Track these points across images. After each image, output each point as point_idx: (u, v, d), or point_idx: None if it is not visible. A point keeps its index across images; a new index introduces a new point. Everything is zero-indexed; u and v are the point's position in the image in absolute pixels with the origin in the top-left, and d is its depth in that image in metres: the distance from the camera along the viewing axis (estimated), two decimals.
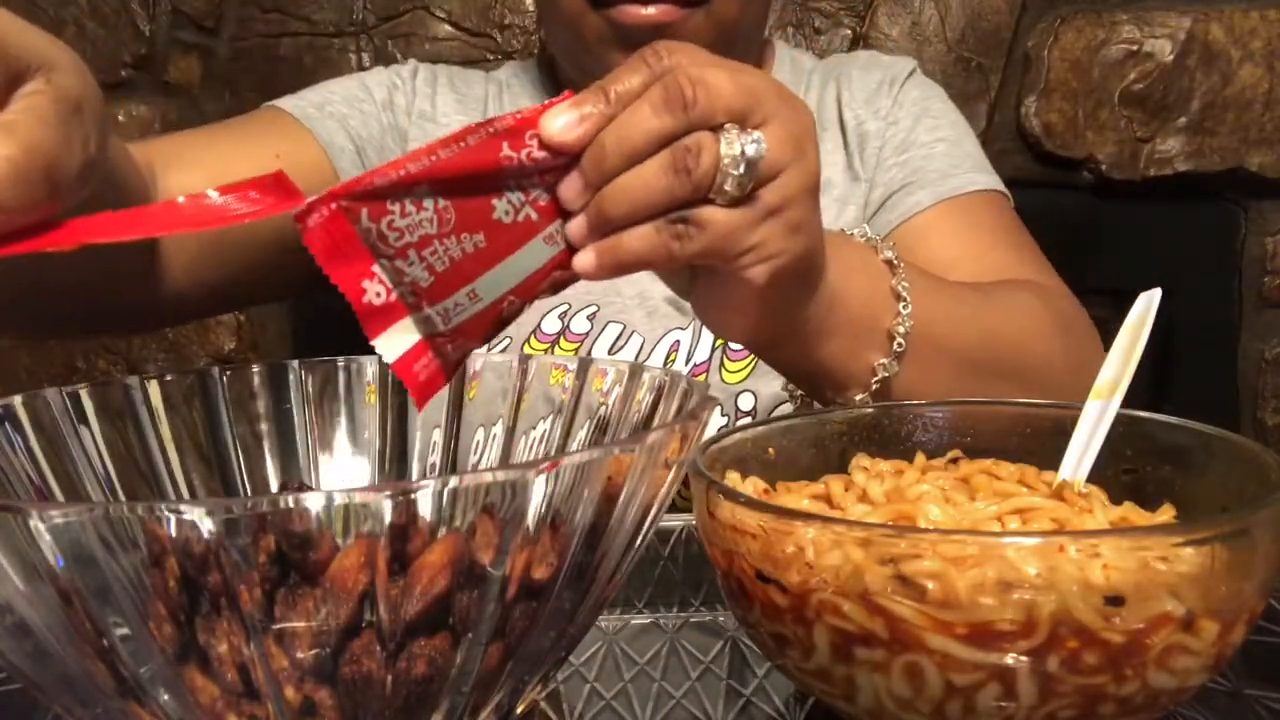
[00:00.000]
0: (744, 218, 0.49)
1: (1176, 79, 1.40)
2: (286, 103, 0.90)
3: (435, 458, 0.57)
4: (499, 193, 0.45)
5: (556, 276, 0.48)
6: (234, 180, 0.72)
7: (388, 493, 0.32)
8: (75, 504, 0.31)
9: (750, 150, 0.47)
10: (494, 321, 0.47)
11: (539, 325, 0.89)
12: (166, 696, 0.34)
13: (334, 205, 0.41)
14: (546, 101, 0.46)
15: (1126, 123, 1.42)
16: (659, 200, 0.47)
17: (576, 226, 0.47)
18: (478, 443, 0.60)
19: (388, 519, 0.32)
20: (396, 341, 0.43)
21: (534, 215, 0.46)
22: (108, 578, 0.32)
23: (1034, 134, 1.43)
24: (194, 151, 0.81)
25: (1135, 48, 1.41)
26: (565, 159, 0.47)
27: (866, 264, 0.61)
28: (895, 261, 0.62)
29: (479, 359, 0.56)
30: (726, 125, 0.47)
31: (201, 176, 0.78)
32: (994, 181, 0.90)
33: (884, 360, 0.61)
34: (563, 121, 0.46)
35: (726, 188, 0.48)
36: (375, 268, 0.42)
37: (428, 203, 0.43)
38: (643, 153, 0.47)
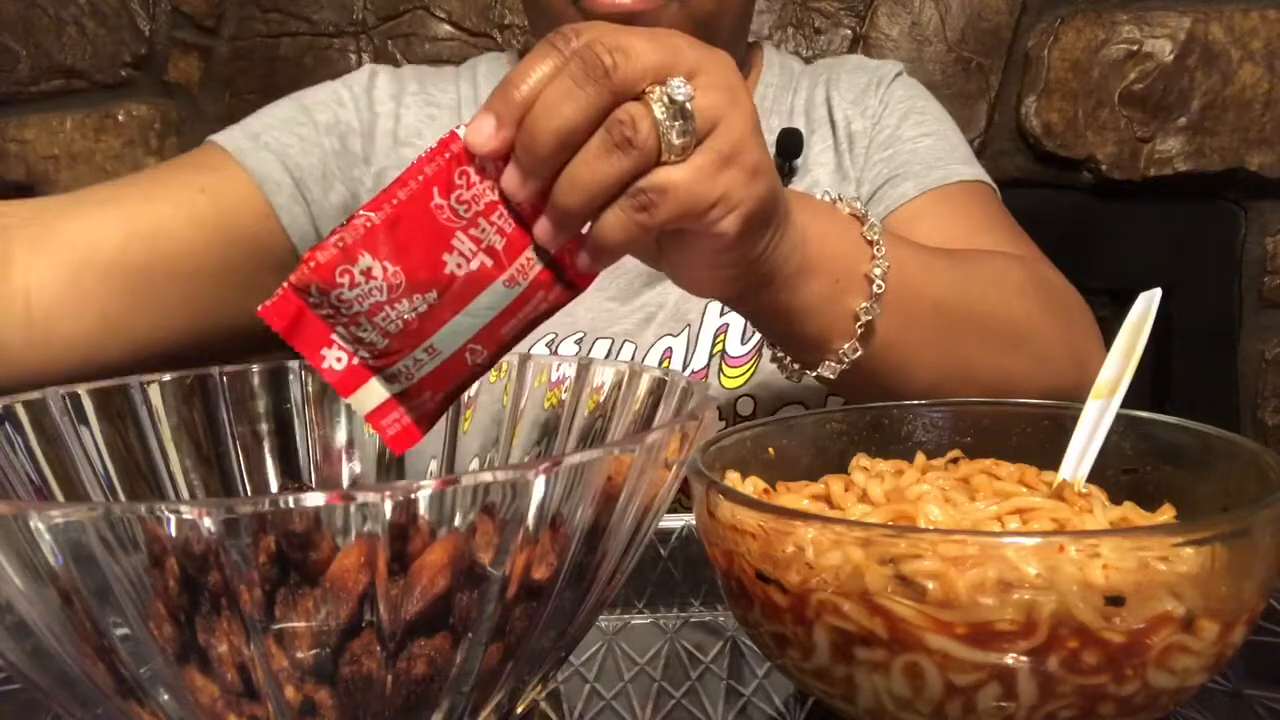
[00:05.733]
0: (702, 171, 0.48)
1: (1176, 79, 1.40)
2: (222, 137, 0.88)
3: (435, 455, 0.57)
4: (447, 246, 0.45)
5: (527, 313, 0.48)
6: (148, 216, 0.80)
7: (388, 493, 0.32)
8: (75, 504, 0.31)
9: (679, 95, 0.46)
10: (462, 373, 0.47)
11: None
12: (166, 696, 0.34)
13: (285, 285, 0.43)
14: (453, 130, 0.45)
15: (1126, 123, 1.42)
16: (611, 181, 0.47)
17: (543, 230, 0.47)
18: (476, 443, 0.60)
19: (388, 519, 0.32)
20: (366, 399, 0.46)
21: (488, 261, 0.46)
22: (108, 578, 0.32)
23: (1034, 134, 1.43)
24: (113, 189, 0.82)
25: (1135, 48, 1.41)
26: (504, 196, 0.46)
27: (833, 214, 0.61)
28: (861, 213, 0.61)
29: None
30: (648, 87, 0.46)
31: (116, 212, 0.79)
32: (979, 173, 0.90)
33: (865, 304, 0.60)
34: (483, 131, 0.45)
35: (675, 142, 0.47)
36: (334, 335, 0.45)
37: (376, 270, 0.43)
38: (574, 127, 0.45)
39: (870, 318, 0.60)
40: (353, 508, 0.32)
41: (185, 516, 0.30)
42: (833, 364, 0.62)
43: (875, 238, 0.61)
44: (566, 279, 0.49)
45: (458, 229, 0.45)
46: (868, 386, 0.64)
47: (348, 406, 0.56)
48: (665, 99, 0.46)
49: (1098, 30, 1.41)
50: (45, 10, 1.54)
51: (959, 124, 0.98)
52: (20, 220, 0.77)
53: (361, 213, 0.43)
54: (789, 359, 0.64)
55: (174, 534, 0.31)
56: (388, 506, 0.32)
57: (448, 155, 0.45)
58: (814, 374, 0.63)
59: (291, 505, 0.31)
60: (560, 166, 0.46)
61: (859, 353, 0.61)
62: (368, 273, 0.43)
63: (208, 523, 0.30)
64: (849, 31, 1.47)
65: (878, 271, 0.60)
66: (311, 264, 0.43)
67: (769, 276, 0.57)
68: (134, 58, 1.55)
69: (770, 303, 0.60)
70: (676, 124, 0.47)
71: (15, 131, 1.57)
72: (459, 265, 0.45)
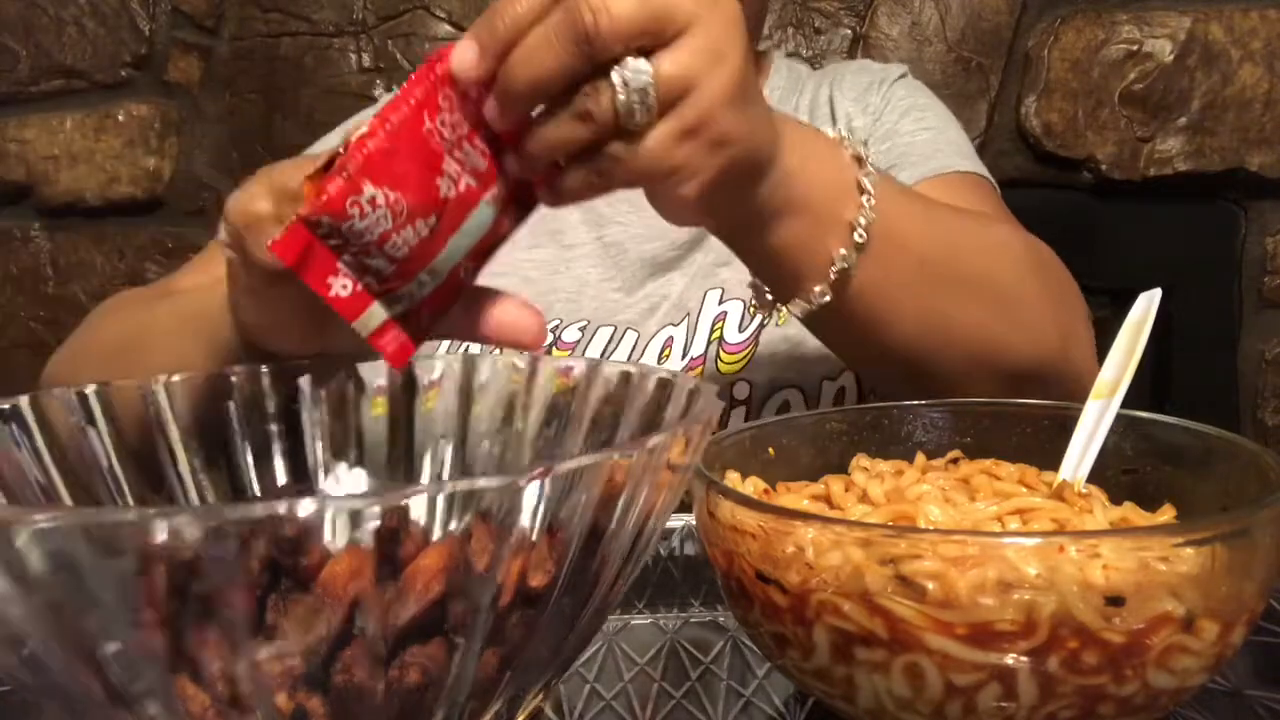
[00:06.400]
0: (659, 143, 0.49)
1: (1176, 79, 1.40)
2: None
3: (445, 458, 0.57)
4: (439, 170, 0.47)
5: (505, 229, 0.52)
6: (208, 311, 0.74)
7: (379, 498, 0.31)
8: (61, 511, 0.30)
9: (636, 81, 0.47)
10: (454, 290, 0.50)
11: None
12: (157, 706, 0.34)
13: (295, 218, 0.45)
14: (440, 50, 0.47)
15: (1126, 123, 1.41)
16: (572, 144, 0.49)
17: (513, 165, 0.50)
18: (485, 445, 0.60)
19: (380, 525, 0.32)
20: (369, 322, 0.49)
21: (473, 182, 0.48)
22: (96, 586, 0.31)
23: (1034, 134, 1.43)
24: (178, 282, 0.89)
25: (1135, 48, 1.41)
26: (484, 119, 0.48)
27: (832, 154, 0.60)
28: (864, 155, 0.61)
29: (484, 370, 0.56)
30: (621, 53, 0.47)
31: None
32: (977, 167, 0.90)
33: (843, 250, 0.59)
34: (466, 59, 0.47)
35: (635, 118, 0.48)
36: (340, 264, 0.46)
37: (380, 199, 0.45)
38: (550, 79, 0.47)
39: (846, 265, 0.59)
40: (344, 514, 0.32)
41: (173, 524, 0.30)
42: (802, 304, 0.61)
43: (869, 186, 0.59)
44: (531, 197, 0.52)
45: (445, 152, 0.47)
46: (842, 329, 0.64)
47: (358, 407, 0.56)
48: (623, 79, 0.47)
49: (1098, 30, 1.41)
50: (45, 10, 1.54)
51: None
52: None
53: (357, 139, 0.45)
54: (766, 291, 0.65)
55: (163, 541, 0.31)
56: (379, 512, 0.32)
57: (434, 77, 0.46)
58: (785, 309, 0.63)
59: (281, 512, 0.31)
60: (538, 102, 0.48)
61: (828, 297, 0.60)
62: (373, 201, 0.45)
63: (196, 530, 0.29)
64: (849, 31, 1.47)
65: (862, 221, 0.59)
66: (323, 197, 0.44)
67: (746, 219, 0.58)
68: (134, 58, 1.55)
69: (747, 241, 0.61)
70: (635, 102, 0.48)
71: (15, 131, 1.57)
72: (449, 188, 0.47)
